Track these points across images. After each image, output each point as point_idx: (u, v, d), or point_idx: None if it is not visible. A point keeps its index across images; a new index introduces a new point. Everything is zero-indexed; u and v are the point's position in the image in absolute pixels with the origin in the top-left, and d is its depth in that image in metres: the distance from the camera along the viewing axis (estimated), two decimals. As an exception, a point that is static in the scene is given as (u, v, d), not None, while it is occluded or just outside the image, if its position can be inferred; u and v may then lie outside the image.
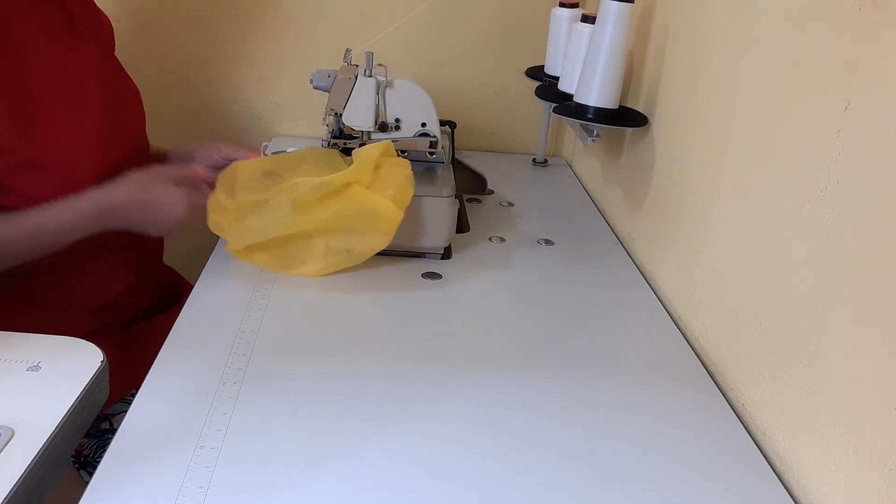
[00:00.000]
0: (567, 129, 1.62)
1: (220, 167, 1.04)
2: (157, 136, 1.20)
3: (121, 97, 1.08)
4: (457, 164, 1.31)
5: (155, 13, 1.51)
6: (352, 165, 1.00)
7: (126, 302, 1.11)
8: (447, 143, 1.22)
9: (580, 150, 1.54)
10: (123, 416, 0.72)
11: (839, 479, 0.66)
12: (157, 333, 0.86)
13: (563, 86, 1.25)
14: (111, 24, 1.14)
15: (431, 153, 1.13)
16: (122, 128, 1.07)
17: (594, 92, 1.11)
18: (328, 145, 1.12)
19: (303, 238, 0.99)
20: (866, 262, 0.64)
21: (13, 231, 0.90)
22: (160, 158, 1.16)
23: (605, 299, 1.04)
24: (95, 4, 1.11)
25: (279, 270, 1.01)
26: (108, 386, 0.71)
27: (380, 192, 0.98)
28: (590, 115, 1.12)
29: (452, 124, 1.37)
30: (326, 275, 1.01)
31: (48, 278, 1.00)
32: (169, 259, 1.25)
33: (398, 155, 1.05)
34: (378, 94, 1.09)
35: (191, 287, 0.98)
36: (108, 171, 0.96)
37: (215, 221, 0.99)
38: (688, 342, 0.94)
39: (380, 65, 1.09)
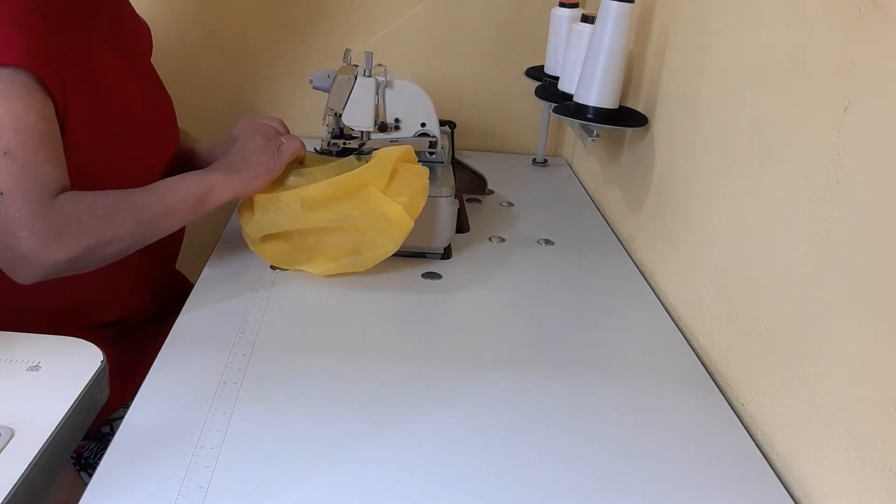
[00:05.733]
0: (567, 129, 1.62)
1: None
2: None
3: (160, 108, 1.08)
4: (457, 164, 1.31)
5: (154, 14, 1.51)
6: (367, 164, 0.99)
7: (136, 316, 1.10)
8: (447, 143, 1.22)
9: (580, 150, 1.54)
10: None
11: (839, 479, 0.66)
12: (160, 337, 0.86)
13: (563, 86, 1.25)
14: (150, 31, 1.13)
15: (431, 153, 1.13)
16: (161, 139, 1.06)
17: (594, 92, 1.11)
18: (328, 145, 1.12)
19: (312, 234, 0.99)
20: (866, 261, 0.64)
21: (114, 205, 0.85)
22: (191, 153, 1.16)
23: (605, 299, 1.04)
24: (135, 11, 1.11)
25: (286, 266, 1.02)
26: (109, 386, 0.71)
27: (393, 197, 0.97)
28: (590, 115, 1.12)
29: (452, 124, 1.36)
30: (330, 275, 1.01)
31: (62, 299, 0.98)
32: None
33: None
34: (378, 94, 1.09)
35: (192, 287, 0.98)
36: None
37: (241, 212, 1.01)
38: (688, 342, 0.94)
39: (380, 65, 1.09)
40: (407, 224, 0.97)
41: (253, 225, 0.98)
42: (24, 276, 0.80)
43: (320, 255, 1.00)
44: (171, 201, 0.89)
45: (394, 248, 0.99)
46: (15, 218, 0.77)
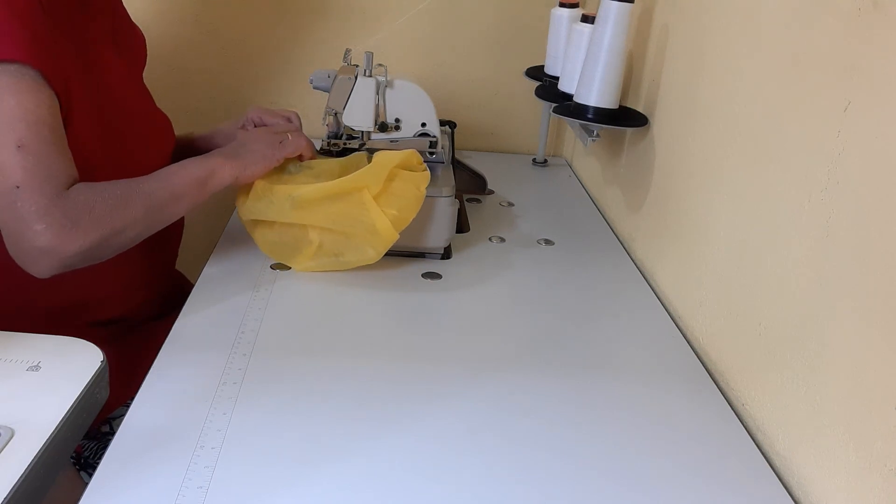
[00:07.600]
0: (567, 129, 1.62)
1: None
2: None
3: (156, 113, 1.09)
4: (457, 164, 1.31)
5: (154, 14, 1.51)
6: (365, 168, 0.99)
7: (136, 315, 1.10)
8: (447, 143, 1.22)
9: (580, 150, 1.54)
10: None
11: (839, 479, 0.66)
12: (160, 336, 0.86)
13: (563, 86, 1.26)
14: (144, 40, 1.14)
15: (431, 153, 1.13)
16: (159, 138, 1.07)
17: (594, 92, 1.11)
18: (328, 145, 1.12)
19: (299, 229, 1.00)
20: (866, 262, 0.64)
21: (123, 193, 0.86)
22: (190, 144, 1.16)
23: (605, 299, 1.04)
24: (131, 19, 1.11)
25: (273, 257, 1.03)
26: (109, 386, 0.71)
27: (384, 207, 0.97)
28: (590, 115, 1.12)
29: (452, 124, 1.37)
30: (311, 271, 1.02)
31: (62, 297, 0.97)
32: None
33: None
34: (378, 94, 1.09)
35: (192, 287, 0.98)
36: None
37: (239, 192, 1.01)
38: (688, 342, 0.94)
39: (380, 65, 1.09)
40: (391, 238, 0.98)
41: (245, 208, 1.00)
42: (42, 268, 0.81)
43: (303, 251, 1.01)
44: (175, 186, 0.90)
45: (375, 258, 1.00)
46: (31, 211, 0.78)
